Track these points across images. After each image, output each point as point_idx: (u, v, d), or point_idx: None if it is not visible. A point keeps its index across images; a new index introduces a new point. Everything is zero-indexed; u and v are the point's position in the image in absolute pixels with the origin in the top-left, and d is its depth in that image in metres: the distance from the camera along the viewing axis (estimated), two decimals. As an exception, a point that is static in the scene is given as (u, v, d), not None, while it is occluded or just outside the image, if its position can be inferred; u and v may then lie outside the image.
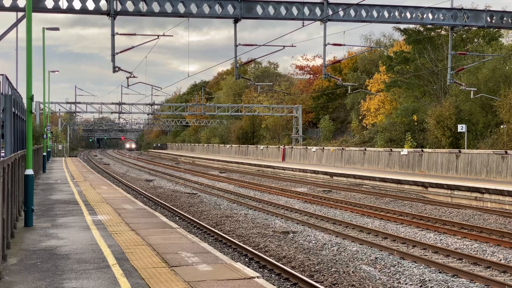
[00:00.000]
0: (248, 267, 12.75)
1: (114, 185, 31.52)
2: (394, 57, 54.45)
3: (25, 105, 16.52)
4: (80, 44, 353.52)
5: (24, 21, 17.72)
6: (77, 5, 25.51)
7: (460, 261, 14.29)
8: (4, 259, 10.73)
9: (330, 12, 27.99)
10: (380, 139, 51.82)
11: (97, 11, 25.94)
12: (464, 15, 30.00)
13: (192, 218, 21.07)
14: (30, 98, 15.51)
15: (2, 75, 19.75)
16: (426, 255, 14.92)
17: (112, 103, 75.15)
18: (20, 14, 25.26)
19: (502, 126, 38.94)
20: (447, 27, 34.92)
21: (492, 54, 42.22)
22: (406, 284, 12.15)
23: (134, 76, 33.87)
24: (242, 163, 59.19)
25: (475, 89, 39.17)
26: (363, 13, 28.61)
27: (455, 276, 12.64)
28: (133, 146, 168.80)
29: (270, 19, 28.54)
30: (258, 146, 68.92)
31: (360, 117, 62.63)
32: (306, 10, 27.89)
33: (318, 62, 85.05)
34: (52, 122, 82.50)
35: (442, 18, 29.86)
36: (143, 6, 26.29)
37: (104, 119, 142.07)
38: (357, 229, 19.07)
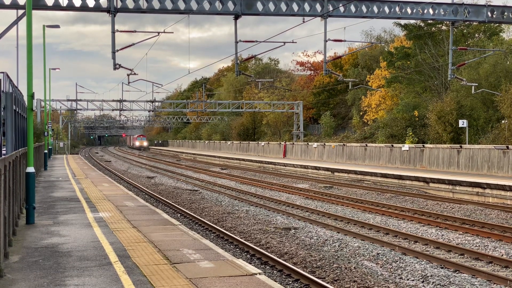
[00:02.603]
0: (250, 263, 12.75)
1: (116, 182, 31.53)
2: (395, 52, 54.43)
3: (26, 102, 16.52)
4: (80, 41, 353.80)
5: (25, 19, 17.71)
6: (77, 2, 25.52)
7: (462, 256, 14.29)
8: (6, 257, 10.74)
9: (331, 8, 27.97)
10: (381, 134, 51.83)
11: (97, 8, 25.95)
12: (465, 10, 29.97)
13: (194, 215, 21.08)
14: (31, 96, 15.51)
15: (2, 73, 19.73)
16: (428, 251, 14.92)
17: (113, 100, 75.17)
18: (21, 11, 25.27)
19: (503, 121, 38.92)
20: (448, 22, 34.89)
21: (493, 49, 42.17)
22: (408, 279, 12.15)
23: (134, 73, 33.91)
24: (243, 160, 59.19)
25: (476, 84, 39.14)
26: (364, 8, 28.60)
27: (457, 272, 12.64)
28: (145, 143, 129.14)
29: (270, 16, 28.53)
30: (259, 142, 68.93)
31: (361, 113, 62.61)
32: (307, 6, 27.87)
33: (319, 58, 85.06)
34: (53, 120, 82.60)
35: (442, 13, 29.84)
36: (143, 3, 26.29)
37: (105, 117, 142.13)
38: (358, 225, 19.07)
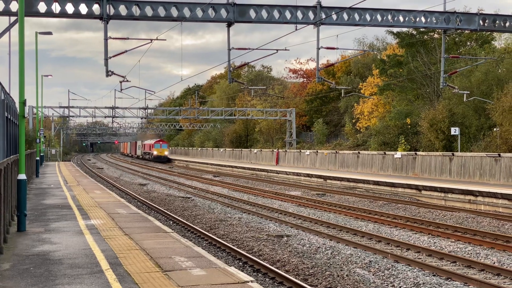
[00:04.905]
0: (242, 271, 12.73)
1: (108, 189, 31.43)
2: (387, 60, 54.61)
3: (18, 109, 16.46)
4: (74, 48, 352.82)
5: (17, 26, 17.66)
6: (70, 9, 25.45)
7: (454, 264, 14.30)
8: (-4, 265, 10.67)
9: (323, 16, 28.02)
10: (374, 142, 51.91)
11: (90, 15, 25.89)
12: (456, 18, 30.09)
13: (186, 222, 21.03)
14: (23, 103, 15.47)
15: (-6, 79, 19.67)
16: (420, 258, 14.94)
17: (106, 107, 74.99)
18: (13, 18, 25.20)
19: (495, 129, 39.05)
20: (440, 30, 34.99)
21: (484, 57, 42.36)
22: (400, 287, 12.15)
23: (127, 80, 33.83)
24: (236, 167, 59.16)
25: (468, 92, 39.29)
26: (356, 16, 28.66)
27: (449, 279, 12.65)
28: (166, 153, 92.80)
29: (263, 23, 28.55)
30: (252, 149, 68.92)
31: (353, 121, 62.73)
32: (299, 14, 27.90)
33: (312, 65, 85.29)
34: (45, 127, 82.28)
35: (435, 21, 29.94)
36: (136, 10, 26.26)
37: (98, 123, 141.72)
38: (351, 233, 19.07)
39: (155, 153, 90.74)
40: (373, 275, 13.12)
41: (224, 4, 27.06)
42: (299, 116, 77.45)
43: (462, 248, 16.17)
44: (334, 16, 28.26)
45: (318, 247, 16.21)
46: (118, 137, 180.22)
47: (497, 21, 30.98)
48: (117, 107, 74.48)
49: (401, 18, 29.39)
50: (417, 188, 30.23)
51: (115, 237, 13.98)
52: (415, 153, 37.40)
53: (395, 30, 51.17)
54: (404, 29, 49.68)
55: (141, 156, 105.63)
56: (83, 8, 25.66)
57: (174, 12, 26.73)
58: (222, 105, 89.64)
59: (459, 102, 42.10)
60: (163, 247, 12.72)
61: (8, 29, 25.13)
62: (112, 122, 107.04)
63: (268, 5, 27.62)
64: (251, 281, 9.72)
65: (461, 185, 28.16)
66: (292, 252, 15.80)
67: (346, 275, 13.00)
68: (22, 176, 15.33)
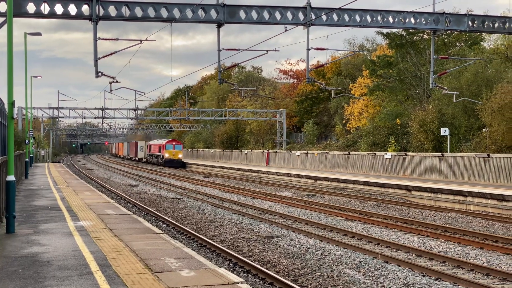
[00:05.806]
0: (232, 272, 12.72)
1: (98, 190, 31.32)
2: (377, 61, 54.75)
3: (7, 110, 16.38)
4: (63, 49, 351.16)
5: (6, 26, 17.56)
6: (59, 10, 25.34)
7: (443, 264, 14.34)
8: (-15, 267, 10.60)
9: (313, 17, 28.04)
10: (364, 143, 52.03)
11: (79, 16, 25.80)
12: (446, 19, 30.20)
13: (176, 223, 20.98)
14: (12, 104, 15.39)
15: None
16: (410, 259, 14.97)
17: (95, 108, 74.79)
18: (2, 19, 25.06)
19: (484, 130, 39.23)
20: (429, 31, 35.11)
21: (474, 58, 42.54)
22: (390, 287, 12.17)
23: (117, 81, 33.70)
24: (226, 168, 59.12)
25: (458, 93, 39.42)
26: (346, 17, 28.70)
27: (439, 279, 12.69)
28: (180, 156, 75.56)
29: (253, 24, 28.56)
30: (242, 150, 68.90)
31: (344, 121, 62.84)
32: (289, 15, 27.92)
33: (302, 66, 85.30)
34: (35, 128, 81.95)
35: (424, 22, 30.04)
36: (125, 11, 26.18)
37: (87, 124, 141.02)
38: (341, 233, 19.09)
39: (166, 155, 74.66)
40: (363, 275, 13.14)
41: (214, 5, 27.04)
42: (289, 117, 77.53)
43: (451, 248, 16.23)
44: (324, 17, 28.30)
45: (308, 248, 16.21)
46: (108, 138, 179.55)
47: (486, 22, 31.11)
48: (107, 108, 74.29)
49: (390, 19, 29.46)
50: (407, 188, 30.32)
51: (104, 239, 13.93)
52: (405, 154, 37.52)
53: (385, 31, 51.37)
54: (394, 30, 49.86)
55: (145, 159, 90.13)
56: (72, 9, 25.56)
57: (164, 13, 26.68)
58: (213, 106, 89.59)
59: (449, 103, 42.28)
60: (152, 248, 12.69)
61: (-4, 29, 24.97)
62: (102, 123, 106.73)
63: (258, 6, 27.63)
64: (241, 282, 9.72)
65: (450, 186, 28.27)
66: (282, 253, 15.79)
67: (336, 276, 13.01)
68: (11, 178, 15.25)
